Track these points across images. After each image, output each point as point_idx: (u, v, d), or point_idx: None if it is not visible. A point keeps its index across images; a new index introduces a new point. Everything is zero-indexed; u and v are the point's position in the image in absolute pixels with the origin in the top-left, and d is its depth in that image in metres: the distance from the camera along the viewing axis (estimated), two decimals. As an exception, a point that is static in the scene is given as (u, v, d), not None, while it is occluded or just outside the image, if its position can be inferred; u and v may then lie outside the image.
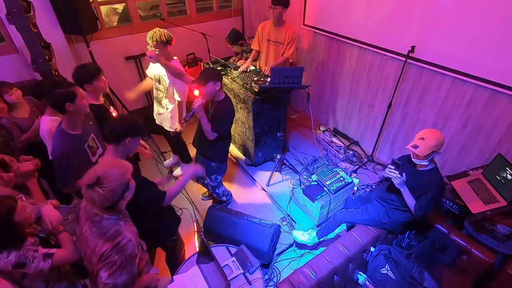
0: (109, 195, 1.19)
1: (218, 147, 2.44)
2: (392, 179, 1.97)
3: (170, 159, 3.56)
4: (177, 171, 3.41)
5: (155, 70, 2.72)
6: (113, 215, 1.31)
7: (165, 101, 2.82)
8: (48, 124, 2.15)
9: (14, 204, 1.29)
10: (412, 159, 1.97)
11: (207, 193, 3.11)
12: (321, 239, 2.51)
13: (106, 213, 1.29)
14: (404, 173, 1.95)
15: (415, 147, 1.88)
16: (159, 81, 2.75)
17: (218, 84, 2.18)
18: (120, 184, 1.23)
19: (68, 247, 1.45)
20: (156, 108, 2.96)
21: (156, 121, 3.06)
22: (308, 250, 2.59)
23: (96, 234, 1.27)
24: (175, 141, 3.22)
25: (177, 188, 1.82)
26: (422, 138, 1.88)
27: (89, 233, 1.30)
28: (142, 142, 2.52)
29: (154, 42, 2.45)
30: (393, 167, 1.97)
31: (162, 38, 2.45)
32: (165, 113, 2.90)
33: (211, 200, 3.10)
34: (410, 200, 1.99)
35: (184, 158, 3.37)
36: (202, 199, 3.13)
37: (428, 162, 1.92)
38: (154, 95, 2.90)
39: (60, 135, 1.77)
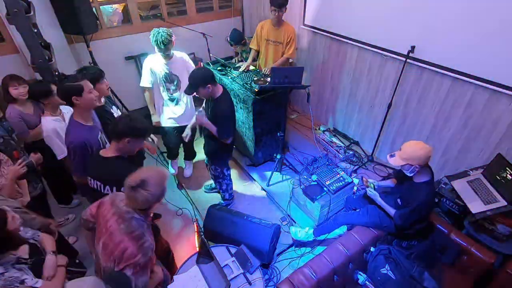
0: (150, 197, 1.32)
1: (217, 147, 2.44)
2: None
3: (171, 168, 3.43)
4: (187, 172, 3.42)
5: (160, 68, 2.65)
6: (142, 216, 1.40)
7: (183, 96, 2.79)
8: (51, 123, 2.17)
9: (4, 215, 1.37)
10: None
11: (210, 185, 3.14)
12: (318, 238, 2.50)
13: (138, 213, 1.38)
14: (376, 189, 2.21)
15: (392, 155, 1.96)
16: (170, 80, 2.70)
17: (208, 86, 2.11)
18: (160, 189, 1.36)
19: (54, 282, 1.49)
20: (173, 110, 2.87)
21: (177, 124, 2.95)
22: (307, 250, 2.59)
23: (123, 230, 1.34)
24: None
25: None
26: (400, 149, 1.92)
27: (116, 228, 1.36)
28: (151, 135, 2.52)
29: (167, 45, 2.43)
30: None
31: (170, 37, 2.44)
32: (187, 109, 2.87)
33: (214, 193, 3.13)
34: (389, 209, 2.09)
35: (191, 154, 3.37)
36: (204, 192, 3.15)
37: (411, 174, 1.93)
38: (166, 98, 2.81)
39: (76, 125, 1.82)
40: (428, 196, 1.90)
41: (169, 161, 3.45)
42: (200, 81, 2.10)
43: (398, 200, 2.11)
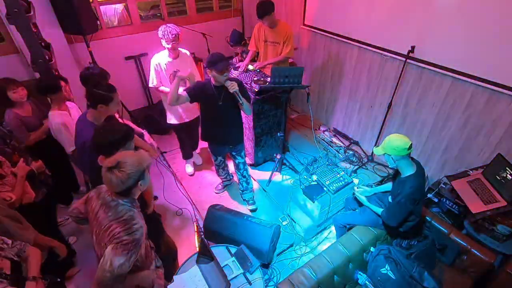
0: (125, 179, 1.29)
1: (241, 124, 2.62)
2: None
3: (190, 167, 3.48)
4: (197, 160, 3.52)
5: (167, 67, 2.70)
6: (127, 201, 1.40)
7: None
8: (61, 117, 2.16)
9: None
10: None
11: (220, 186, 3.18)
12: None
13: (121, 198, 1.38)
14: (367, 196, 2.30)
15: (377, 146, 2.06)
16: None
17: None
18: (136, 170, 1.33)
19: None
20: (182, 107, 2.88)
21: (187, 120, 3.00)
22: (307, 250, 2.60)
23: (111, 217, 1.35)
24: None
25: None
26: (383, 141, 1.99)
27: (104, 217, 1.37)
28: (152, 141, 2.53)
29: (178, 38, 2.51)
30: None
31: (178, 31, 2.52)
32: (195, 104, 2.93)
33: (226, 193, 3.17)
34: (376, 209, 2.13)
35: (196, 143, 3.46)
36: (216, 193, 3.16)
37: (392, 166, 1.97)
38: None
39: (89, 125, 1.86)
40: (412, 189, 1.88)
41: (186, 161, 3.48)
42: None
43: (389, 198, 2.12)
